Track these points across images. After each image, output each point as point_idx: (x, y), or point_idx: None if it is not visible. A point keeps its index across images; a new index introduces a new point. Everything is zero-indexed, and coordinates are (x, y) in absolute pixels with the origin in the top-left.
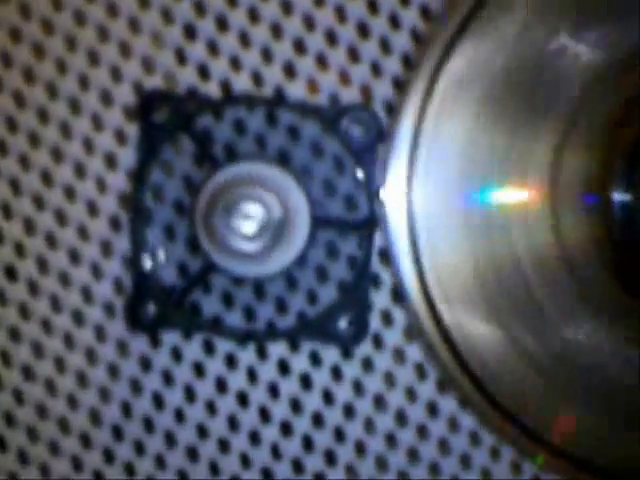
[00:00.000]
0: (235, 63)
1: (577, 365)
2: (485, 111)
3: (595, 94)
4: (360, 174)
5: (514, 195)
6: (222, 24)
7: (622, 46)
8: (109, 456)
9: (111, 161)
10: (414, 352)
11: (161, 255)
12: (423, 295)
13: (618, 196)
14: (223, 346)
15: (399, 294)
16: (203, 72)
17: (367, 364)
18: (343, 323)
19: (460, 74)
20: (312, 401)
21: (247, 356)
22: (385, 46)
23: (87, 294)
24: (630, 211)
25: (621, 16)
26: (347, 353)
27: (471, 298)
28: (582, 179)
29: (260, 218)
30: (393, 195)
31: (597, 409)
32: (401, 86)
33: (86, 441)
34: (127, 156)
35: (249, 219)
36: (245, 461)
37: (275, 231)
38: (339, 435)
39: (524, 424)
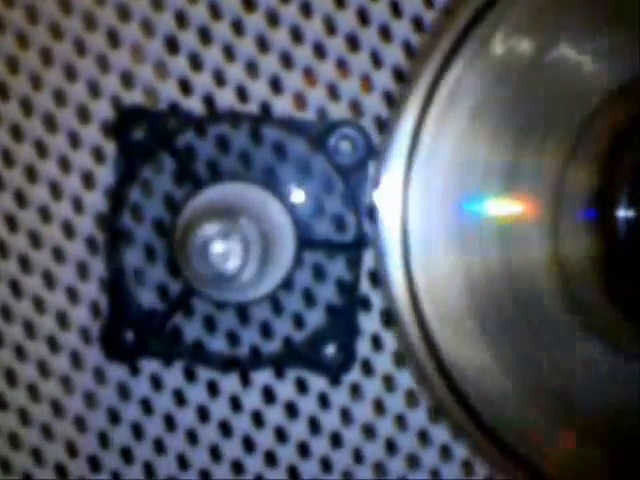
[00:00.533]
0: (219, 77)
1: (572, 389)
2: (483, 125)
3: (600, 107)
4: (349, 193)
5: (512, 209)
6: (205, 37)
7: (625, 58)
8: None
9: (88, 180)
10: (404, 378)
11: (140, 278)
12: (415, 316)
13: (622, 212)
14: (205, 373)
15: (390, 317)
16: (185, 87)
17: (355, 391)
18: (330, 350)
19: (457, 88)
20: (298, 430)
21: (230, 384)
22: (376, 59)
23: (62, 319)
24: (634, 227)
25: (624, 27)
26: (335, 380)
27: (464, 319)
28: (585, 194)
29: (239, 253)
30: (386, 212)
31: (592, 437)
32: (393, 101)
33: (62, 473)
34: (105, 175)
35: (228, 256)
36: None
37: (256, 262)
38: (326, 465)
39: (519, 454)
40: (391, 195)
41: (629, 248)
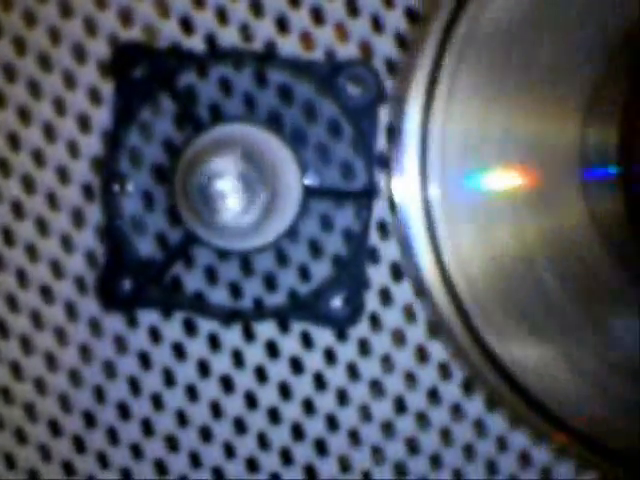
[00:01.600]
0: (222, 15)
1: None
2: (501, 92)
3: (618, 63)
4: (358, 138)
5: (533, 177)
6: None
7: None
8: (80, 445)
9: (84, 122)
10: (414, 334)
11: (138, 223)
12: (447, 290)
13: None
14: (206, 326)
15: (398, 270)
16: (186, 25)
17: (363, 346)
18: (337, 302)
19: (474, 29)
20: (303, 386)
21: (232, 337)
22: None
23: (56, 268)
24: None
25: None
26: (341, 335)
27: (500, 293)
28: (602, 154)
29: (242, 193)
30: (406, 179)
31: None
32: (404, 43)
33: (55, 429)
34: (102, 117)
35: (230, 195)
36: (229, 451)
37: (260, 205)
38: (332, 423)
39: (558, 419)
40: (409, 168)
41: None
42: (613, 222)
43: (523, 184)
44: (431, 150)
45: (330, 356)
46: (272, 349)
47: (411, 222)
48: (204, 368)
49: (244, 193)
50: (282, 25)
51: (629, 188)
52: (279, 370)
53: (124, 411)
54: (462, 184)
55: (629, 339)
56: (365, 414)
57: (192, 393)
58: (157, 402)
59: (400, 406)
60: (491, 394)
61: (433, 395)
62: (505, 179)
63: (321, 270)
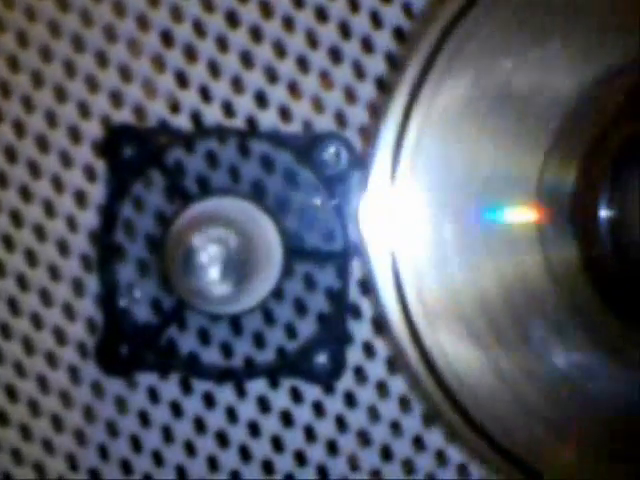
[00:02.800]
0: (205, 94)
1: (566, 394)
2: (463, 134)
3: (577, 113)
4: (335, 203)
5: (500, 217)
6: (191, 54)
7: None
8: None
9: (81, 198)
10: (398, 385)
11: (134, 293)
12: (405, 322)
13: (604, 213)
14: (201, 385)
15: (380, 324)
16: (173, 104)
17: (349, 399)
18: (322, 358)
19: (435, 97)
20: (294, 438)
21: (225, 395)
22: (359, 71)
23: (60, 335)
24: (616, 227)
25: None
26: (328, 388)
27: (455, 323)
28: (568, 199)
29: (223, 262)
30: (373, 221)
31: (585, 439)
32: (376, 111)
33: None
34: (97, 193)
35: (212, 264)
36: None
37: (241, 271)
38: (323, 473)
39: (515, 457)
40: (377, 205)
41: (613, 249)
42: (566, 269)
43: (484, 223)
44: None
45: (319, 409)
46: (263, 404)
47: (379, 272)
48: (200, 424)
49: (225, 263)
50: (261, 100)
51: (585, 237)
52: (271, 424)
53: (127, 467)
54: (428, 234)
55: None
56: (353, 463)
57: (190, 449)
58: (157, 458)
59: (387, 454)
60: (448, 427)
61: (418, 443)
62: (467, 225)
63: (306, 328)
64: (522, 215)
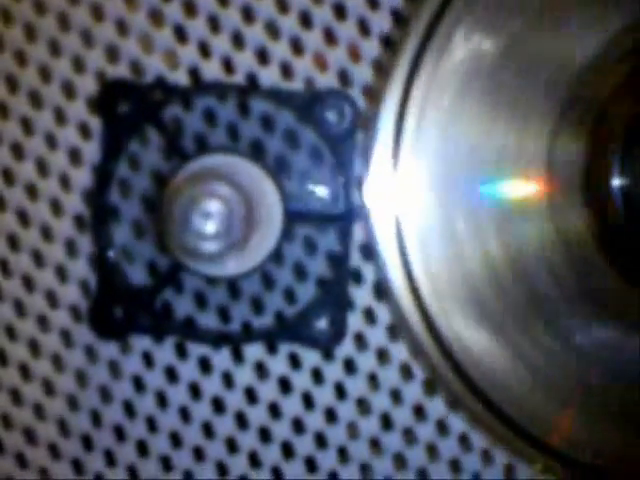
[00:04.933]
0: (204, 49)
1: (575, 364)
2: (467, 104)
3: (585, 82)
4: (337, 164)
5: (509, 189)
6: (190, 9)
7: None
8: (78, 468)
9: (75, 156)
10: (399, 351)
11: (129, 254)
12: (410, 290)
13: (616, 182)
14: (196, 350)
15: (382, 290)
16: (170, 60)
17: (349, 366)
18: (322, 323)
19: (443, 55)
20: (292, 406)
21: (222, 360)
22: (363, 27)
23: (52, 298)
24: (629, 195)
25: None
26: (328, 354)
27: (462, 298)
28: (579, 168)
29: (221, 217)
30: (377, 186)
31: (596, 409)
32: (381, 69)
33: (54, 452)
34: (92, 151)
35: (209, 218)
36: (222, 470)
37: (239, 230)
38: (321, 441)
39: (519, 425)
40: (381, 169)
41: (627, 217)
42: (578, 238)
43: (490, 199)
44: (402, 167)
45: (317, 376)
46: (261, 370)
47: (383, 237)
48: (195, 390)
49: (224, 219)
50: (262, 57)
51: (597, 205)
52: (268, 391)
53: (120, 434)
54: (434, 202)
55: (582, 342)
56: (353, 432)
57: (185, 415)
58: (151, 424)
59: (387, 422)
60: (450, 394)
61: (419, 411)
62: (474, 196)
63: (306, 292)
64: (532, 186)
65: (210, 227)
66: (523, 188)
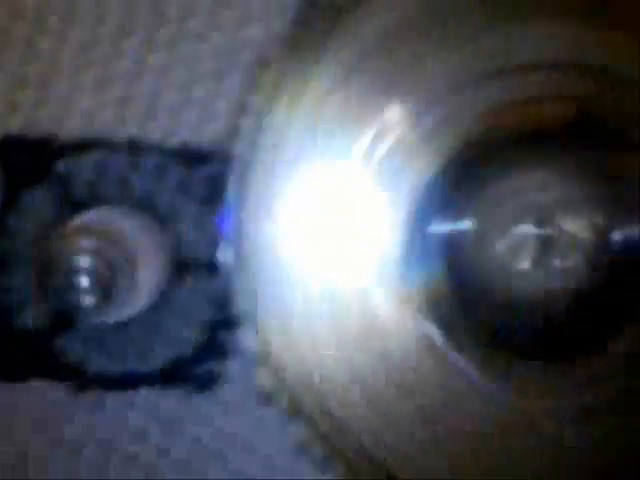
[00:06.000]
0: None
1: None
2: None
3: None
4: (216, 212)
5: None
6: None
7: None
8: None
9: None
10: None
11: (25, 302)
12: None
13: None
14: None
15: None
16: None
17: (233, 408)
18: (203, 368)
19: None
20: (181, 446)
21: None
22: None
23: None
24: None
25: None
26: (208, 397)
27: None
28: None
29: (95, 271)
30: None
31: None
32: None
33: None
34: None
35: (82, 273)
36: None
37: (117, 282)
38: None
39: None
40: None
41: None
42: None
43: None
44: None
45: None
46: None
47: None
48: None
49: (97, 273)
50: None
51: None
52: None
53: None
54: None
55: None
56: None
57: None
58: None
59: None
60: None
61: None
62: None
63: (191, 336)
64: None
65: (84, 282)
66: None
